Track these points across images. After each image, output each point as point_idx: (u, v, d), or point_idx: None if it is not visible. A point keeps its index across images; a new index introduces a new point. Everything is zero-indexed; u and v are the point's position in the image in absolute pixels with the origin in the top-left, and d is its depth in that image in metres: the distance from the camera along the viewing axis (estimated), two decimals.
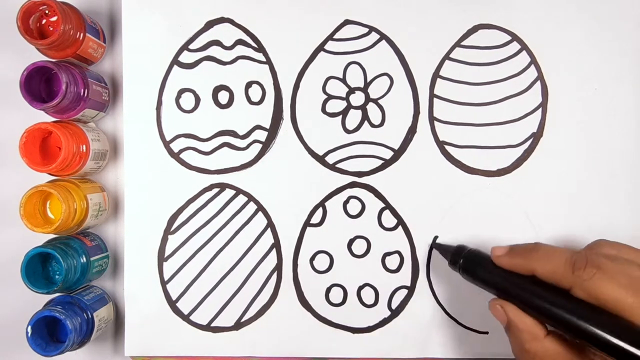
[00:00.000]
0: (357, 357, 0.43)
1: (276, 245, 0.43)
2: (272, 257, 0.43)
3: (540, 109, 0.42)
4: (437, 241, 0.42)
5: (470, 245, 0.42)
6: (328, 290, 0.43)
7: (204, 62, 0.43)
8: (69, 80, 0.38)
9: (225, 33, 0.43)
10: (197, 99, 0.43)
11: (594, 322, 0.30)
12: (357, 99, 0.43)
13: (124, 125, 0.42)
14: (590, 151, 0.42)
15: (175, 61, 0.43)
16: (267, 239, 0.43)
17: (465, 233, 0.42)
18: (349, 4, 0.43)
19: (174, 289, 0.43)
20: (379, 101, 0.43)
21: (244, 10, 0.43)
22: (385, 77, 0.43)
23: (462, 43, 0.43)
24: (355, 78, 0.43)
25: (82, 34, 0.40)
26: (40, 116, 0.40)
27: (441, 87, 0.43)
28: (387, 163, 0.43)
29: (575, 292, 0.31)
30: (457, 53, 0.43)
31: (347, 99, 0.43)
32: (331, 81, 0.43)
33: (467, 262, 0.38)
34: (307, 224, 0.43)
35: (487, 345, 0.42)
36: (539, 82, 0.43)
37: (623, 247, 0.34)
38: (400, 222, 0.42)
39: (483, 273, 0.36)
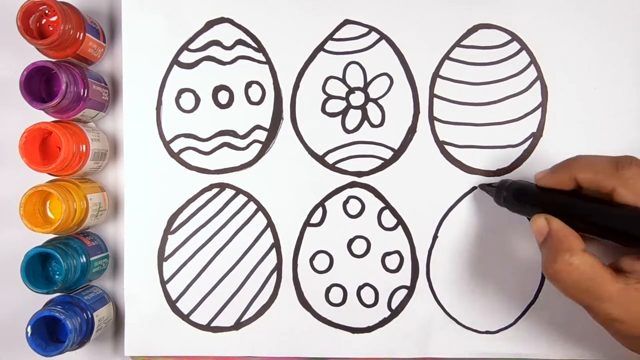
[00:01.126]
0: (357, 357, 0.42)
1: (276, 245, 0.43)
2: (272, 257, 0.43)
3: (540, 109, 0.42)
4: (481, 182, 0.42)
5: (471, 249, 0.42)
6: (328, 290, 0.43)
7: (204, 62, 0.43)
8: (69, 80, 0.38)
9: (225, 33, 0.43)
10: (197, 99, 0.43)
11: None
12: (357, 98, 0.43)
13: (124, 125, 0.42)
14: (590, 151, 0.42)
15: (175, 61, 0.43)
16: (267, 238, 0.43)
17: (465, 233, 0.42)
18: (349, 4, 0.43)
19: (174, 289, 0.43)
20: (379, 101, 0.43)
21: (244, 10, 0.43)
22: (385, 77, 0.43)
23: (462, 43, 0.43)
24: (355, 78, 0.43)
25: (82, 34, 0.40)
26: (40, 116, 0.40)
27: (441, 87, 0.43)
28: (387, 163, 0.43)
29: (619, 193, 0.31)
30: (457, 53, 0.43)
31: (347, 98, 0.43)
32: (331, 81, 0.43)
33: (514, 191, 0.38)
34: (307, 223, 0.43)
35: (487, 345, 0.42)
36: (538, 82, 0.43)
37: None
38: (400, 222, 0.42)
39: (526, 198, 0.37)
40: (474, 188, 0.42)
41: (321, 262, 0.43)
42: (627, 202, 0.31)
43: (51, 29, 0.41)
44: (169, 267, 0.43)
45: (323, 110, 0.43)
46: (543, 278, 0.42)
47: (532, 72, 0.43)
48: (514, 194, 0.38)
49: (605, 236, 0.32)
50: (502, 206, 0.39)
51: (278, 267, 0.43)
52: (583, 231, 0.33)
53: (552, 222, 0.34)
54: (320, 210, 0.43)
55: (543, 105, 0.43)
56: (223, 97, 0.43)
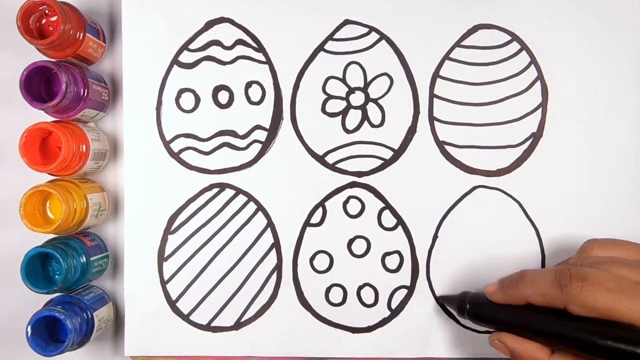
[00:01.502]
0: (357, 357, 0.42)
1: (276, 245, 0.43)
2: (272, 257, 0.43)
3: (540, 109, 0.42)
4: (439, 294, 0.42)
5: (471, 249, 0.42)
6: (328, 290, 0.43)
7: (204, 62, 0.43)
8: (68, 80, 0.38)
9: (225, 33, 0.43)
10: (197, 99, 0.43)
11: (597, 334, 0.30)
12: (357, 98, 0.43)
13: (124, 125, 0.42)
14: (590, 151, 0.42)
15: (175, 61, 0.43)
16: (267, 238, 0.43)
17: (464, 233, 0.42)
18: (349, 4, 0.43)
19: (174, 289, 0.43)
20: (379, 101, 0.43)
21: (244, 10, 0.43)
22: (385, 77, 0.43)
23: (462, 43, 0.43)
24: (355, 78, 0.43)
25: (82, 34, 0.40)
26: (40, 116, 0.40)
27: (441, 87, 0.43)
28: (387, 163, 0.43)
29: (571, 309, 0.31)
30: (457, 53, 0.43)
31: (347, 98, 0.43)
32: (331, 81, 0.43)
33: (473, 307, 0.38)
34: (307, 223, 0.43)
35: (487, 345, 0.42)
36: (538, 82, 0.43)
37: (611, 245, 0.34)
38: (400, 222, 0.42)
39: (489, 314, 0.37)
40: (474, 188, 0.42)
41: (321, 262, 0.43)
42: (581, 315, 0.31)
43: (51, 29, 0.41)
44: (169, 267, 0.43)
45: (323, 110, 0.43)
46: None
47: (532, 72, 0.43)
48: (472, 311, 0.38)
49: (567, 348, 0.32)
50: (465, 319, 0.39)
51: (278, 267, 0.43)
52: (544, 344, 0.33)
53: (507, 342, 0.35)
54: (320, 210, 0.43)
55: (543, 105, 0.43)
56: (223, 97, 0.43)
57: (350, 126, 0.43)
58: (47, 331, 0.39)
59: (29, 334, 0.37)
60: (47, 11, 0.40)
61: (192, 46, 0.43)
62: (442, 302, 0.42)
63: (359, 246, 0.43)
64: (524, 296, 0.34)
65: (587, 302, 0.30)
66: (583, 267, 0.32)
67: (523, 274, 0.35)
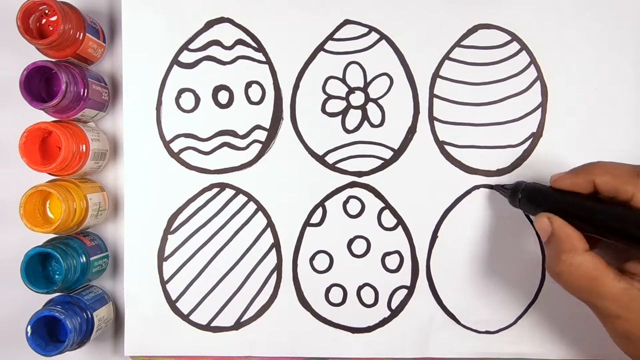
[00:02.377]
0: (357, 357, 0.42)
1: (276, 245, 0.43)
2: (272, 257, 0.43)
3: (540, 109, 0.42)
4: (496, 183, 0.42)
5: (471, 249, 0.42)
6: (328, 290, 0.43)
7: (204, 62, 0.43)
8: (68, 80, 0.38)
9: (225, 33, 0.43)
10: (197, 99, 0.43)
11: None
12: (357, 98, 0.43)
13: (124, 125, 0.42)
14: (590, 151, 0.42)
15: (175, 61, 0.43)
16: (267, 238, 0.43)
17: (464, 233, 0.42)
18: (349, 4, 0.43)
19: (174, 289, 0.43)
20: (379, 101, 0.43)
21: (244, 10, 0.43)
22: (385, 77, 0.43)
23: (462, 43, 0.43)
24: (355, 78, 0.43)
25: (82, 34, 0.40)
26: (40, 116, 0.40)
27: (441, 87, 0.43)
28: (386, 163, 0.43)
29: (638, 199, 0.31)
30: (457, 53, 0.43)
31: (347, 98, 0.43)
32: (331, 81, 0.43)
33: (528, 192, 0.38)
34: (307, 223, 0.43)
35: (487, 345, 0.42)
36: (538, 82, 0.43)
37: None
38: (400, 222, 0.42)
39: (541, 199, 0.37)
40: (474, 188, 0.42)
41: (321, 262, 0.43)
42: None
43: (51, 28, 0.41)
44: (169, 267, 0.43)
45: (323, 110, 0.43)
46: (543, 278, 0.42)
47: (532, 72, 0.43)
48: (529, 196, 0.38)
49: (619, 239, 0.32)
50: (517, 208, 0.39)
51: (278, 267, 0.43)
52: (597, 234, 0.33)
53: (554, 222, 0.34)
54: (320, 210, 0.43)
55: (543, 105, 0.43)
56: (223, 97, 0.43)
57: (350, 126, 0.43)
58: (47, 331, 0.39)
59: (29, 334, 0.37)
60: (47, 11, 0.40)
61: (192, 46, 0.43)
62: (497, 189, 0.41)
63: (359, 246, 0.43)
64: (593, 178, 0.33)
65: None
66: None
67: (597, 161, 0.35)
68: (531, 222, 0.42)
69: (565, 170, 0.42)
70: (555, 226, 0.34)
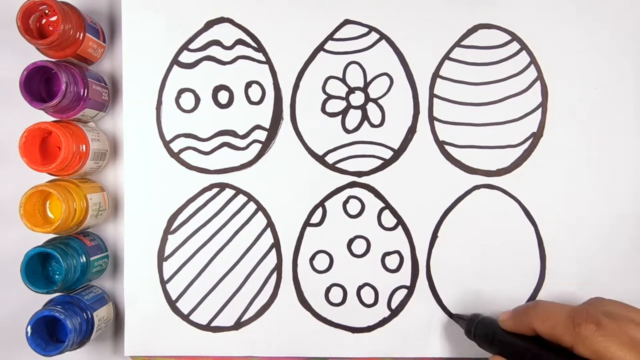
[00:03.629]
0: (356, 357, 0.42)
1: (276, 245, 0.43)
2: (272, 257, 0.43)
3: (540, 109, 0.42)
4: (455, 312, 0.42)
5: (471, 249, 0.42)
6: (328, 290, 0.43)
7: (204, 62, 0.43)
8: (68, 80, 0.38)
9: (225, 33, 0.43)
10: (197, 99, 0.43)
11: None
12: (357, 98, 0.43)
13: (124, 125, 0.42)
14: (590, 151, 0.42)
15: (175, 61, 0.43)
16: (267, 238, 0.43)
17: (465, 233, 0.42)
18: (349, 4, 0.43)
19: (174, 289, 0.43)
20: (379, 101, 0.43)
21: (244, 10, 0.43)
22: (385, 77, 0.43)
23: (462, 43, 0.43)
24: (355, 78, 0.43)
25: (82, 34, 0.40)
26: (40, 116, 0.40)
27: (441, 87, 0.43)
28: (387, 163, 0.43)
29: (578, 350, 0.31)
30: (457, 53, 0.43)
31: (347, 98, 0.43)
32: (331, 81, 0.43)
33: (480, 330, 0.38)
34: (307, 223, 0.43)
35: None
36: (538, 82, 0.43)
37: (620, 305, 0.34)
38: (400, 222, 0.42)
39: (495, 339, 0.37)
40: (474, 188, 0.42)
41: (321, 262, 0.43)
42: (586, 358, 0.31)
43: (51, 28, 0.41)
44: (169, 267, 0.43)
45: (323, 110, 0.43)
46: (543, 278, 0.42)
47: (532, 72, 0.43)
48: (482, 334, 0.38)
49: None
50: (472, 340, 0.39)
51: (278, 267, 0.43)
52: None
53: None
54: (320, 210, 0.43)
55: (543, 105, 0.43)
56: (223, 97, 0.43)
57: (350, 126, 0.43)
58: (47, 331, 0.39)
59: (29, 334, 0.37)
60: (47, 11, 0.40)
61: (192, 46, 0.43)
62: (455, 320, 0.42)
63: (359, 246, 0.43)
64: (533, 326, 0.34)
65: (596, 347, 0.30)
66: (598, 313, 0.32)
67: (537, 303, 0.35)
68: (532, 222, 0.42)
69: (564, 168, 0.42)
70: None
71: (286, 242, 0.43)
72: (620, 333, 0.30)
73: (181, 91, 0.43)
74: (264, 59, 0.43)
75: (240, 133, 0.43)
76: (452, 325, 0.42)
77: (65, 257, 0.38)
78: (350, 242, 0.43)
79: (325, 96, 0.43)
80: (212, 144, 0.43)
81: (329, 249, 0.43)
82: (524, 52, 0.43)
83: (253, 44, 0.43)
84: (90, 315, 0.40)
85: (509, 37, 0.43)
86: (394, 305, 0.42)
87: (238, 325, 0.43)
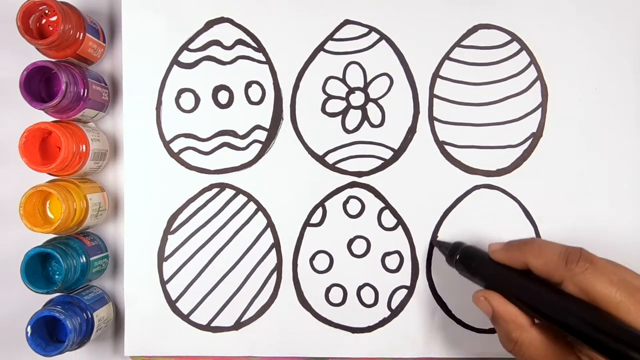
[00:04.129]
0: (356, 357, 0.42)
1: (276, 245, 0.43)
2: (272, 257, 0.43)
3: (540, 109, 0.42)
4: (437, 238, 0.42)
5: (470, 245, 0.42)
6: (328, 290, 0.43)
7: (204, 62, 0.43)
8: (68, 80, 0.38)
9: (225, 33, 0.43)
10: (197, 99, 0.43)
11: (580, 317, 0.30)
12: (357, 99, 0.43)
13: (124, 125, 0.42)
14: (590, 151, 0.42)
15: (175, 61, 0.43)
16: (267, 238, 0.43)
17: (464, 233, 0.42)
18: (349, 4, 0.43)
19: (174, 289, 0.43)
20: (379, 101, 0.43)
21: (244, 10, 0.43)
22: (385, 77, 0.43)
23: (462, 43, 0.43)
24: (355, 78, 0.43)
25: (82, 34, 0.40)
26: (40, 116, 0.40)
27: (441, 87, 0.43)
28: (387, 163, 0.43)
29: (566, 286, 0.31)
30: (457, 53, 0.43)
31: (347, 99, 0.43)
32: (331, 81, 0.43)
33: (463, 257, 0.38)
34: (307, 223, 0.43)
35: (487, 345, 0.42)
36: (538, 82, 0.43)
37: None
38: (400, 222, 0.42)
39: (477, 266, 0.37)
40: (474, 188, 0.42)
41: (321, 262, 0.43)
42: (573, 295, 0.31)
43: (51, 29, 0.41)
44: (169, 267, 0.43)
45: (323, 110, 0.43)
46: None
47: (532, 72, 0.43)
48: (464, 261, 0.38)
49: (548, 321, 0.32)
50: (452, 267, 0.39)
51: (278, 267, 0.43)
52: (529, 313, 0.33)
53: (493, 301, 0.34)
54: (320, 210, 0.43)
55: (543, 105, 0.43)
56: (223, 97, 0.43)
57: (350, 126, 0.43)
58: (47, 331, 0.39)
59: (29, 334, 0.37)
60: (47, 11, 0.40)
61: (192, 46, 0.43)
62: (437, 245, 0.41)
63: (359, 246, 0.43)
64: (526, 260, 0.34)
65: (585, 284, 0.30)
66: (593, 254, 0.32)
67: (534, 239, 0.35)
68: (532, 222, 0.42)
69: (564, 168, 0.42)
70: (495, 305, 0.34)
71: (286, 242, 0.43)
72: (611, 272, 0.30)
73: (181, 91, 0.43)
74: (264, 59, 0.43)
75: (240, 133, 0.43)
76: (452, 326, 0.42)
77: (65, 257, 0.38)
78: (350, 242, 0.43)
79: (325, 96, 0.43)
80: (212, 144, 0.43)
81: (329, 249, 0.43)
82: (524, 52, 0.43)
83: (253, 44, 0.43)
84: (90, 315, 0.40)
85: (509, 37, 0.43)
86: (394, 306, 0.42)
87: (238, 325, 0.43)
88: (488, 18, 0.43)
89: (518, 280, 0.34)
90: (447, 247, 0.40)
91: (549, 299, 0.32)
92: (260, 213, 0.43)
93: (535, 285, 0.33)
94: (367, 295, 0.43)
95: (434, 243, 0.42)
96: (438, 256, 0.42)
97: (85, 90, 0.40)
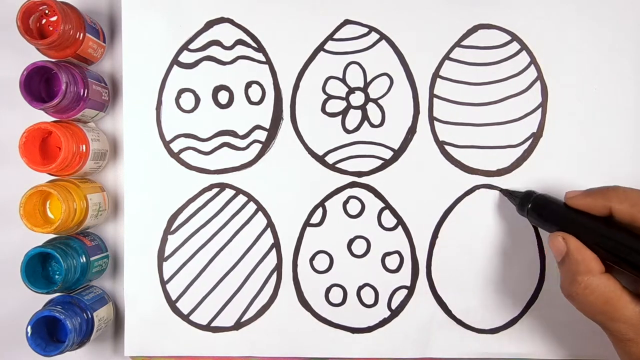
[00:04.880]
0: (357, 357, 0.42)
1: (276, 245, 0.43)
2: (272, 257, 0.43)
3: (540, 109, 0.42)
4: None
5: (471, 249, 0.42)
6: (328, 290, 0.43)
7: (204, 62, 0.43)
8: (68, 80, 0.38)
9: (225, 33, 0.43)
10: (197, 99, 0.43)
11: None
12: (357, 99, 0.43)
13: (124, 125, 0.42)
14: (590, 151, 0.42)
15: (175, 61, 0.43)
16: (267, 239, 0.43)
17: (465, 233, 0.42)
18: (349, 4, 0.43)
19: (174, 289, 0.43)
20: (379, 101, 0.43)
21: (244, 10, 0.43)
22: (385, 77, 0.43)
23: (462, 43, 0.43)
24: (355, 78, 0.43)
25: (82, 34, 0.40)
26: (40, 116, 0.40)
27: (441, 87, 0.43)
28: (387, 163, 0.43)
29: None
30: (457, 53, 0.43)
31: (347, 99, 0.43)
32: (331, 81, 0.43)
33: (536, 204, 0.38)
34: (307, 224, 0.43)
35: (487, 345, 0.42)
36: (538, 82, 0.43)
37: None
38: (400, 222, 0.42)
39: (552, 213, 0.36)
40: (474, 188, 0.42)
41: (321, 262, 0.43)
42: None
43: (51, 29, 0.41)
44: (169, 267, 0.43)
45: (323, 110, 0.43)
46: (543, 277, 0.42)
47: (532, 72, 0.43)
48: (539, 209, 0.37)
49: (630, 270, 0.32)
50: (523, 216, 0.39)
51: (278, 267, 0.43)
52: (608, 260, 0.33)
53: (570, 242, 0.34)
54: (320, 210, 0.43)
55: (543, 105, 0.43)
56: (223, 97, 0.43)
57: (350, 126, 0.43)
58: (47, 331, 0.39)
59: (29, 334, 0.37)
60: (47, 11, 0.40)
61: (192, 46, 0.43)
62: (505, 194, 0.41)
63: (359, 246, 0.43)
64: (610, 204, 0.33)
65: None
66: None
67: (616, 186, 0.34)
68: (536, 230, 0.42)
69: (564, 168, 0.42)
70: (571, 247, 0.34)
71: (286, 243, 0.43)
72: None
73: (181, 91, 0.43)
74: (264, 59, 0.43)
75: (240, 133, 0.43)
76: (452, 326, 0.42)
77: (65, 257, 0.38)
78: (350, 243, 0.43)
79: (325, 96, 0.43)
80: (212, 144, 0.43)
81: (329, 249, 0.43)
82: (524, 52, 0.43)
83: (253, 44, 0.43)
84: (90, 316, 0.40)
85: (509, 37, 0.43)
86: (394, 306, 0.42)
87: (238, 325, 0.43)
88: (488, 18, 0.43)
89: (598, 226, 0.33)
90: (518, 195, 0.39)
91: (631, 245, 0.31)
92: (260, 213, 0.43)
93: (617, 232, 0.32)
94: (367, 295, 0.43)
95: (502, 192, 0.41)
96: (438, 256, 0.42)
97: (86, 90, 0.40)
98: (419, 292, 0.42)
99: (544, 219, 0.37)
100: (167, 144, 0.43)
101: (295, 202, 0.43)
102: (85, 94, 0.40)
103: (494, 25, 0.43)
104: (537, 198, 0.38)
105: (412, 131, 0.43)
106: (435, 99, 0.43)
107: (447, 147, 0.43)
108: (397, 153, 0.43)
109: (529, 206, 0.38)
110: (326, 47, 0.43)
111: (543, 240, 0.42)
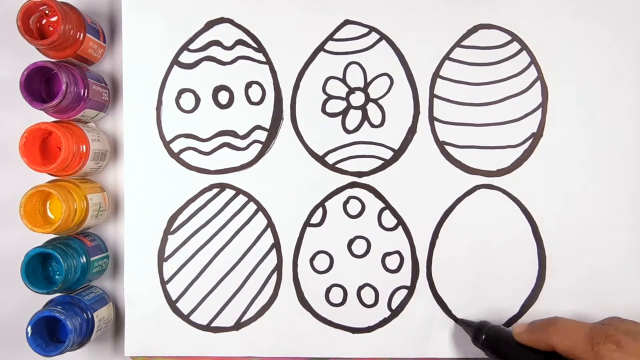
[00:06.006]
0: (357, 357, 0.42)
1: (276, 245, 0.43)
2: (272, 257, 0.43)
3: (540, 109, 0.43)
4: (459, 317, 0.42)
5: (471, 249, 0.42)
6: (328, 290, 0.43)
7: (204, 62, 0.43)
8: (69, 80, 0.38)
9: (225, 33, 0.43)
10: (197, 99, 0.43)
11: None
12: (357, 99, 0.43)
13: (124, 125, 0.42)
14: (590, 151, 0.42)
15: (175, 61, 0.43)
16: (267, 239, 0.43)
17: (465, 233, 0.42)
18: (349, 4, 0.43)
19: (174, 289, 0.43)
20: (379, 101, 0.43)
21: (244, 10, 0.43)
22: (385, 77, 0.43)
23: (462, 43, 0.43)
24: (355, 78, 0.43)
25: (82, 34, 0.40)
26: (40, 116, 0.40)
27: (441, 87, 0.43)
28: (387, 163, 0.43)
29: None
30: (457, 53, 0.43)
31: (347, 99, 0.43)
32: (331, 81, 0.43)
33: (489, 339, 0.38)
34: (307, 224, 0.43)
35: None
36: (539, 82, 0.43)
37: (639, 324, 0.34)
38: (400, 222, 0.42)
39: (505, 349, 0.37)
40: (474, 188, 0.42)
41: (321, 262, 0.43)
42: None
43: (51, 29, 0.41)
44: (169, 267, 0.43)
45: (323, 110, 0.43)
46: (542, 278, 0.42)
47: (532, 72, 0.43)
48: (491, 343, 0.38)
49: None
50: (477, 347, 0.39)
51: (278, 267, 0.43)
52: None
53: None
54: (320, 211, 0.43)
55: (543, 105, 0.43)
56: (223, 97, 0.43)
57: (350, 126, 0.43)
58: (47, 331, 0.39)
59: (29, 334, 0.37)
60: (47, 11, 0.40)
61: (192, 46, 0.43)
62: (461, 324, 0.41)
63: (359, 246, 0.43)
64: (551, 342, 0.34)
65: None
66: (618, 332, 0.32)
67: (556, 319, 0.35)
68: (532, 222, 0.42)
69: (564, 168, 0.42)
70: None
71: (286, 243, 0.43)
72: (638, 353, 0.30)
73: (181, 91, 0.43)
74: (264, 59, 0.43)
75: (241, 133, 0.43)
76: (452, 326, 0.42)
77: (65, 257, 0.38)
78: (350, 243, 0.43)
79: (326, 96, 0.43)
80: (212, 144, 0.43)
81: (329, 249, 0.43)
82: (524, 52, 0.43)
83: (253, 44, 0.43)
84: (90, 316, 0.40)
85: (509, 37, 0.43)
86: (394, 306, 0.42)
87: (238, 325, 0.43)
88: (488, 18, 0.43)
89: None
90: (472, 326, 0.40)
91: None
92: (260, 213, 0.43)
93: None
94: (367, 295, 0.43)
95: (458, 322, 0.42)
96: (438, 256, 0.42)
97: (86, 91, 0.40)
98: (419, 292, 0.42)
99: (494, 354, 0.38)
100: (167, 144, 0.43)
101: (295, 202, 0.43)
102: (86, 94, 0.40)
103: (494, 26, 0.43)
104: (489, 332, 0.38)
105: (412, 131, 0.43)
106: (435, 99, 0.43)
107: (447, 147, 0.43)
108: (397, 153, 0.43)
109: (482, 338, 0.38)
110: (326, 47, 0.43)
111: (543, 241, 0.42)
